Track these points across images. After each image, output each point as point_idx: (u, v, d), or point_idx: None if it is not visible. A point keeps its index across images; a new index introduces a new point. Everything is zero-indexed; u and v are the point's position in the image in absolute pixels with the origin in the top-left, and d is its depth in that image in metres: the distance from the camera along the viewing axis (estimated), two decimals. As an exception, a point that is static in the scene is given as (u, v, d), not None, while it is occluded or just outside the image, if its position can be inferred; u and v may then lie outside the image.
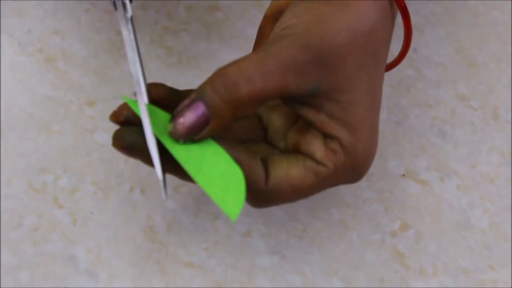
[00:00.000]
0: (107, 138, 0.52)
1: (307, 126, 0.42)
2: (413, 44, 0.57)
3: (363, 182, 0.51)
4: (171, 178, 0.51)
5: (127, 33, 0.41)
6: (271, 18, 0.46)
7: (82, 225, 0.49)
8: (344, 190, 0.51)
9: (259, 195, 0.41)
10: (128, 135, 0.39)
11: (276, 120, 0.44)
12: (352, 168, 0.41)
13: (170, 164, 0.40)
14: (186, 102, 0.39)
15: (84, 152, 0.51)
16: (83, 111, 0.53)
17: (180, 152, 0.39)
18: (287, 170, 0.41)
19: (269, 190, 0.40)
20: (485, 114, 0.54)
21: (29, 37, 0.55)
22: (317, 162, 0.41)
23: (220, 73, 0.39)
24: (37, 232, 0.48)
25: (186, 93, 0.43)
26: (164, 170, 0.40)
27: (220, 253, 0.49)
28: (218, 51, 0.56)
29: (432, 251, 0.49)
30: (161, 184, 0.39)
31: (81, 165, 0.51)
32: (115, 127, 0.52)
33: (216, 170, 0.39)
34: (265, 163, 0.41)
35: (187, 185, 0.50)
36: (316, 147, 0.41)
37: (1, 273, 0.47)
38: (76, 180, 0.50)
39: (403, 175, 0.52)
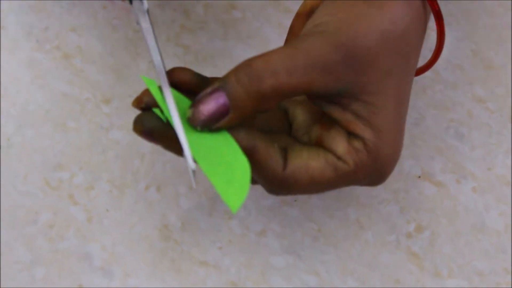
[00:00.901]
0: (123, 136, 0.52)
1: (332, 122, 0.42)
2: (429, 45, 0.57)
3: (378, 183, 0.51)
4: (187, 177, 0.51)
5: (146, 25, 0.41)
6: (304, 16, 0.45)
7: (97, 223, 0.49)
8: (360, 190, 0.51)
9: (276, 181, 0.40)
10: (148, 120, 0.39)
11: (301, 115, 0.44)
12: (373, 170, 0.41)
13: (180, 148, 0.40)
14: (208, 90, 0.39)
15: (100, 149, 0.51)
16: (99, 108, 0.53)
17: (189, 138, 0.39)
18: (307, 160, 0.40)
19: (286, 177, 0.40)
20: (502, 116, 0.54)
21: (47, 34, 0.55)
22: (338, 157, 0.40)
23: (246, 64, 0.38)
24: (52, 229, 0.48)
25: (212, 80, 0.43)
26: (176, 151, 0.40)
27: (234, 252, 0.48)
28: (234, 49, 0.56)
29: (447, 253, 0.49)
30: (191, 173, 0.39)
31: (97, 162, 0.51)
32: (131, 125, 0.52)
33: (223, 159, 0.39)
34: (285, 152, 0.41)
35: (202, 184, 0.50)
36: (339, 142, 0.41)
37: (16, 269, 0.47)
38: (91, 178, 0.50)
39: (419, 177, 0.52)
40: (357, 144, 0.40)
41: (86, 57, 0.54)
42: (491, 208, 0.51)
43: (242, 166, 0.39)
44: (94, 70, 0.54)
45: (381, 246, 0.49)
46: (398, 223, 0.50)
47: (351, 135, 0.41)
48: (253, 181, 0.43)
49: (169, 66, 0.55)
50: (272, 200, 0.50)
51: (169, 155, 0.51)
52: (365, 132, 0.40)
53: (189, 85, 0.42)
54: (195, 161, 0.39)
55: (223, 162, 0.39)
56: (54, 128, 0.52)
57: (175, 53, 0.55)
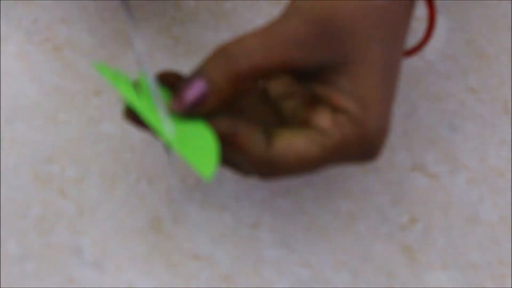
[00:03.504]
0: (114, 128, 0.51)
1: (317, 101, 0.42)
2: (422, 35, 0.57)
3: (371, 175, 0.51)
4: (178, 170, 0.50)
5: (125, 9, 0.41)
6: None
7: (88, 216, 0.49)
8: (352, 182, 0.51)
9: (262, 162, 0.40)
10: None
11: (289, 105, 0.44)
12: (361, 142, 0.40)
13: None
14: (188, 78, 0.40)
15: (90, 142, 0.51)
16: (90, 101, 0.52)
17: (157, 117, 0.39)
18: (290, 139, 0.40)
19: (271, 157, 0.40)
20: (495, 107, 0.54)
21: (36, 26, 0.55)
22: (323, 132, 0.40)
23: (221, 49, 0.39)
24: (42, 223, 0.48)
25: None
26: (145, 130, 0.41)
27: (227, 245, 0.48)
28: (226, 41, 0.55)
29: (441, 245, 0.49)
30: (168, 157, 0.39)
31: (87, 155, 0.50)
32: (122, 117, 0.52)
33: (191, 132, 0.39)
34: (270, 135, 0.41)
35: (194, 177, 0.50)
36: (323, 118, 0.40)
37: (7, 263, 0.47)
38: (82, 171, 0.50)
39: (412, 168, 0.51)
40: (341, 117, 0.40)
41: (76, 49, 0.54)
42: (485, 199, 0.51)
43: (209, 137, 0.39)
44: (85, 62, 0.54)
45: (373, 238, 0.49)
46: (390, 215, 0.50)
47: (336, 110, 0.40)
48: (245, 173, 0.43)
49: (159, 58, 0.54)
50: (264, 192, 0.50)
51: (160, 148, 0.51)
52: (349, 105, 0.40)
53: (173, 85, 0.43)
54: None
55: (190, 135, 0.39)
56: (44, 121, 0.51)
57: (166, 45, 0.55)
